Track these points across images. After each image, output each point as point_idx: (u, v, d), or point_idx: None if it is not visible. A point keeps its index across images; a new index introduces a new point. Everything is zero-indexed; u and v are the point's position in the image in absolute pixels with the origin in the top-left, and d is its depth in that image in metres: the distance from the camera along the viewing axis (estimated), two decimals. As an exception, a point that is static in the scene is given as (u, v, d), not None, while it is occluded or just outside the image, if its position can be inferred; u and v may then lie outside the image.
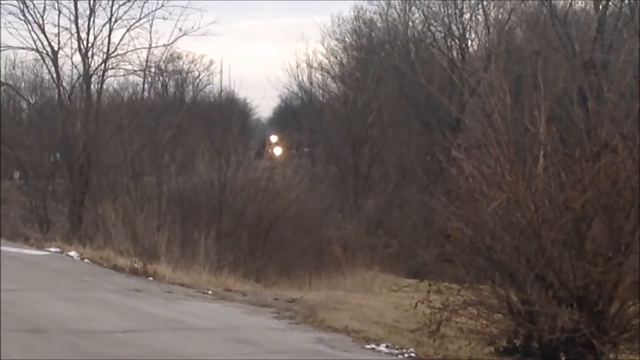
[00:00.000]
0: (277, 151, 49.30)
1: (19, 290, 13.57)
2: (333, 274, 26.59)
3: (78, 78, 29.59)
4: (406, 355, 11.12)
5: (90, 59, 29.26)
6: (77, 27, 29.03)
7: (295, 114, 57.71)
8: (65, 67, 29.77)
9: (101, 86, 30.49)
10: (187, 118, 37.63)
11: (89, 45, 29.14)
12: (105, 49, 29.25)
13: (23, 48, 29.69)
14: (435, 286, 11.83)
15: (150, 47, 29.92)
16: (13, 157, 31.25)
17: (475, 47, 44.22)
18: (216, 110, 44.12)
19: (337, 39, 50.54)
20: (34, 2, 28.78)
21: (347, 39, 50.70)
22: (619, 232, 10.94)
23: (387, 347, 11.38)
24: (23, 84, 40.90)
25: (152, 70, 33.95)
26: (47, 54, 29.14)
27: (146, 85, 36.74)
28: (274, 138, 56.25)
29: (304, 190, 31.77)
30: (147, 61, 30.75)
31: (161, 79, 45.82)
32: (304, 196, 31.37)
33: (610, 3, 36.13)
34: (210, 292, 15.46)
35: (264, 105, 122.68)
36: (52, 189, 30.75)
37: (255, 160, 32.72)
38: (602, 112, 11.90)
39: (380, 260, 29.52)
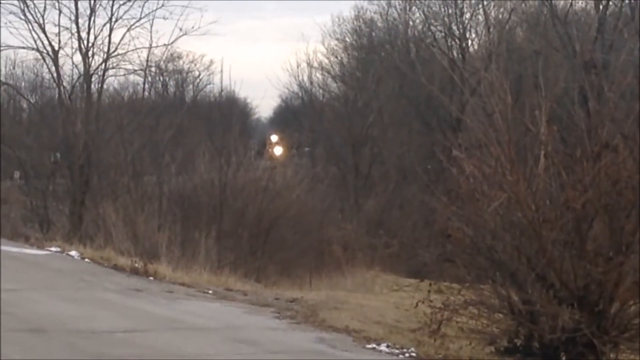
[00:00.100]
0: (278, 151, 49.30)
1: (20, 290, 13.58)
2: (333, 274, 26.60)
3: (78, 78, 29.61)
4: (407, 355, 11.12)
5: (90, 59, 29.28)
6: (78, 27, 29.05)
7: (296, 113, 57.73)
8: (66, 66, 29.81)
9: (101, 86, 30.51)
10: (187, 118, 37.63)
11: (90, 44, 29.16)
12: (105, 49, 29.28)
13: (23, 47, 29.72)
14: (436, 286, 11.83)
15: (150, 47, 29.95)
16: (13, 157, 31.25)
17: (475, 47, 44.26)
18: (216, 110, 44.09)
19: (337, 39, 50.63)
20: (35, 1, 28.81)
21: (347, 39, 50.78)
22: (619, 232, 10.94)
23: (387, 346, 11.38)
24: (23, 83, 40.95)
25: (153, 69, 33.99)
26: (48, 53, 29.15)
27: (146, 85, 36.77)
28: (274, 138, 56.21)
29: (305, 190, 31.77)
30: (147, 61, 30.77)
31: (161, 78, 45.86)
32: (305, 196, 31.38)
33: (610, 3, 36.12)
34: (210, 291, 15.46)
35: (264, 105, 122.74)
36: (53, 189, 30.74)
37: (256, 160, 32.71)
38: (603, 112, 11.89)
39: (381, 260, 29.52)
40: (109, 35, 29.24)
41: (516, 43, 39.27)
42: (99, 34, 29.20)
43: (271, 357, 10.67)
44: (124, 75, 31.96)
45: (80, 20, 29.02)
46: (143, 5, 29.43)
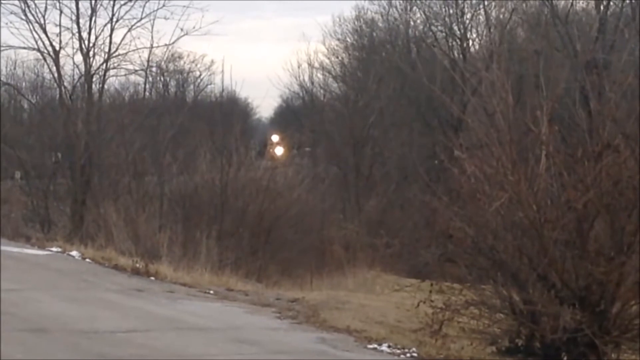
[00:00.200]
0: (279, 151, 49.33)
1: (21, 290, 13.58)
2: (334, 274, 26.58)
3: (79, 78, 29.57)
4: (408, 355, 11.12)
5: (91, 59, 29.23)
6: (79, 27, 29.01)
7: (297, 113, 57.69)
8: (67, 66, 29.76)
9: (102, 86, 30.46)
10: (188, 118, 37.56)
11: (91, 45, 29.12)
12: (106, 49, 29.23)
13: (24, 48, 29.66)
14: (437, 286, 11.84)
15: (151, 47, 29.88)
16: (14, 157, 31.22)
17: (476, 47, 44.27)
18: (217, 110, 44.06)
19: (338, 39, 50.65)
20: (36, 1, 28.74)
21: (348, 39, 50.81)
22: (621, 232, 10.95)
23: (389, 347, 11.37)
24: (24, 83, 40.83)
25: (154, 70, 33.89)
26: (49, 53, 29.12)
27: (147, 85, 36.76)
28: (275, 138, 56.23)
29: (306, 190, 31.77)
30: (148, 61, 30.70)
31: (162, 78, 45.78)
32: (306, 196, 31.37)
33: (611, 3, 36.12)
34: (211, 291, 15.45)
35: (265, 105, 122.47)
36: (54, 189, 30.72)
37: (257, 160, 32.70)
38: (604, 112, 11.90)
39: (382, 260, 29.50)
40: (110, 36, 29.22)
41: (517, 43, 39.25)
42: (100, 34, 29.19)
43: (272, 357, 10.67)
44: (125, 75, 31.93)
45: (81, 21, 29.00)
46: (144, 6, 29.38)
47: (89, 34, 29.10)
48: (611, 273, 10.76)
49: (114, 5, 29.20)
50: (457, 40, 43.66)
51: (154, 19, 29.29)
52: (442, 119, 41.01)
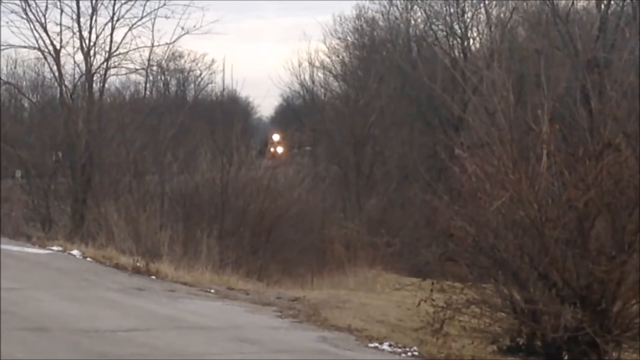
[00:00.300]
0: (279, 150, 49.35)
1: (22, 289, 13.58)
2: (335, 273, 26.59)
3: (80, 77, 29.55)
4: (409, 354, 11.12)
5: (92, 58, 29.22)
6: (79, 26, 28.99)
7: (297, 112, 57.69)
8: (67, 65, 29.74)
9: (103, 85, 30.44)
10: (189, 117, 37.58)
11: (91, 44, 29.10)
12: (107, 48, 29.21)
13: (25, 47, 29.63)
14: (438, 285, 11.84)
15: (152, 46, 29.85)
16: (15, 156, 31.22)
17: (477, 46, 44.28)
18: (218, 109, 44.11)
19: (339, 38, 50.69)
20: (36, 0, 28.75)
21: (349, 38, 50.85)
22: (622, 231, 10.95)
23: (390, 345, 11.37)
24: (25, 82, 40.92)
25: (154, 69, 33.82)
26: (49, 52, 29.12)
27: (148, 84, 36.67)
28: (276, 137, 56.32)
29: (306, 189, 31.77)
30: (149, 60, 30.67)
31: (163, 77, 45.77)
32: (306, 195, 31.38)
33: (612, 2, 36.15)
34: (212, 290, 15.45)
35: (265, 104, 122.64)
36: (54, 188, 30.72)
37: (258, 159, 32.71)
38: (605, 111, 11.90)
39: (383, 259, 29.49)
40: (111, 34, 29.20)
41: (518, 42, 39.26)
42: (100, 33, 29.17)
43: (273, 356, 10.67)
44: (126, 74, 31.90)
45: (81, 19, 28.98)
46: (145, 4, 29.36)
47: (90, 32, 29.10)
48: (612, 272, 10.76)
49: (114, 4, 29.20)
50: (458, 39, 43.68)
51: (154, 18, 29.29)
52: (443, 118, 41.01)
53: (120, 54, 29.46)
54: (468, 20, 43.70)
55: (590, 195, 10.87)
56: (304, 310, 13.70)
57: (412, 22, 46.87)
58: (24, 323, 10.81)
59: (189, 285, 15.78)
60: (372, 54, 48.42)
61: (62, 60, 29.28)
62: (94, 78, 29.57)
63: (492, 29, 41.14)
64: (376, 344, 11.41)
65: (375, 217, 36.52)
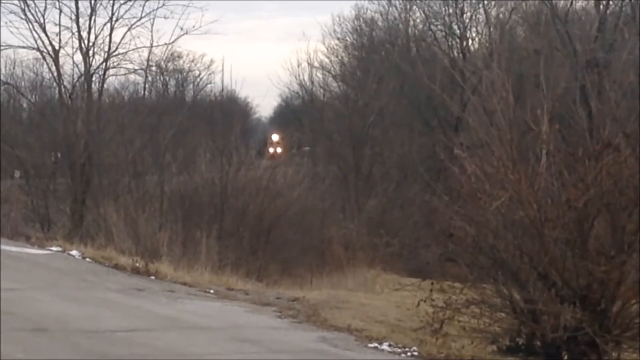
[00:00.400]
0: (278, 150, 49.34)
1: (21, 289, 13.56)
2: (334, 273, 26.59)
3: (79, 77, 29.59)
4: (409, 354, 11.12)
5: (91, 58, 29.27)
6: (78, 26, 29.04)
7: (296, 113, 57.63)
8: (66, 66, 29.78)
9: (102, 85, 30.49)
10: (188, 117, 37.58)
11: (90, 44, 29.14)
12: (106, 48, 29.26)
13: (24, 47, 29.69)
14: (437, 285, 11.83)
15: (151, 46, 29.90)
16: (14, 156, 31.24)
17: (476, 46, 44.29)
18: (217, 109, 44.08)
19: (338, 38, 50.63)
20: (35, 1, 28.80)
21: (348, 38, 50.80)
22: (621, 231, 10.95)
23: (389, 345, 11.37)
24: (24, 83, 40.82)
25: (153, 69, 33.87)
26: (48, 53, 29.15)
27: (147, 85, 36.66)
28: (275, 137, 56.32)
29: (305, 189, 31.77)
30: (148, 60, 30.72)
31: (162, 78, 45.74)
32: (305, 195, 31.37)
33: (611, 2, 36.14)
34: (212, 291, 15.45)
35: (264, 104, 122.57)
36: (54, 188, 30.73)
37: (257, 159, 32.72)
38: (604, 111, 11.91)
39: (382, 260, 29.50)
40: (110, 35, 29.25)
41: (517, 42, 39.27)
42: (99, 33, 29.22)
43: (273, 356, 10.67)
44: (125, 74, 31.97)
45: (80, 20, 29.03)
46: (144, 5, 29.42)
47: (89, 33, 29.16)
48: (612, 272, 10.76)
49: (113, 4, 29.26)
50: (457, 40, 43.68)
51: (153, 18, 29.34)
52: (442, 118, 41.02)
53: (119, 54, 29.53)
54: (467, 20, 43.73)
55: (590, 196, 10.87)
56: (304, 311, 13.70)
57: (411, 22, 46.89)
58: (23, 324, 10.79)
59: (188, 286, 15.78)
60: (371, 54, 48.41)
61: (61, 60, 29.36)
62: (93, 78, 29.65)
63: (491, 29, 41.12)
64: (376, 344, 11.42)
65: (374, 217, 36.52)
